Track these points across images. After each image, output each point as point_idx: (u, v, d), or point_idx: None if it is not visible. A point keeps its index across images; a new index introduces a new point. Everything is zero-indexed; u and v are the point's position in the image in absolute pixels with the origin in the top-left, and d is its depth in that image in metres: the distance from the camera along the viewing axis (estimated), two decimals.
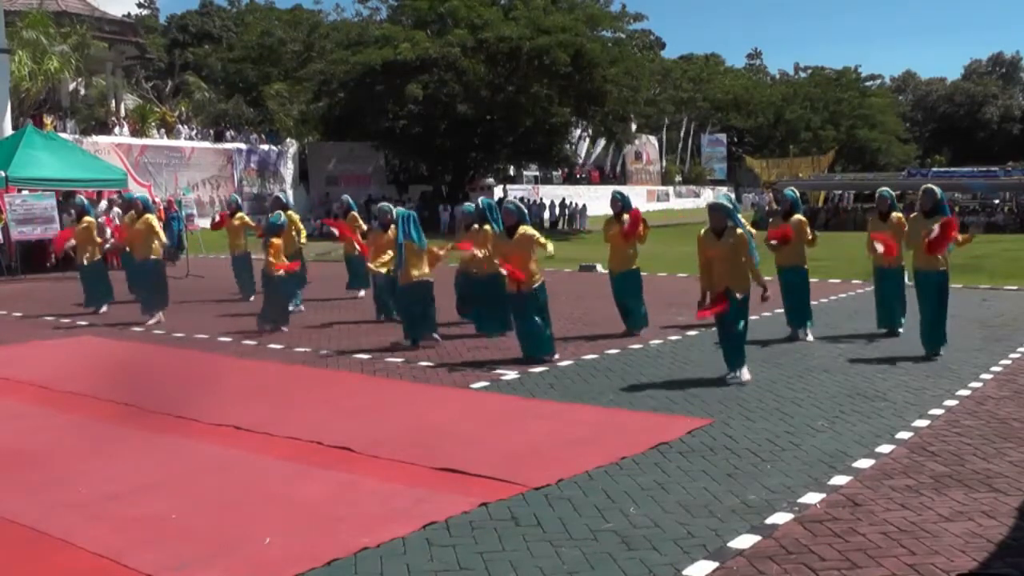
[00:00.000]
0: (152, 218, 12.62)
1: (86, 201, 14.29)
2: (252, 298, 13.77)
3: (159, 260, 12.63)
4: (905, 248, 9.67)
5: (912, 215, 9.66)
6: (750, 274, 7.98)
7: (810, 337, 10.14)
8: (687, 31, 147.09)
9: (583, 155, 52.36)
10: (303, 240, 13.63)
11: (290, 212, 13.64)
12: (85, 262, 13.39)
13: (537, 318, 9.10)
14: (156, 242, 12.43)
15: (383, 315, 11.87)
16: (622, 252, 10.55)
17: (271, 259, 10.89)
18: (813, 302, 10.80)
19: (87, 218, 13.54)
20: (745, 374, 8.08)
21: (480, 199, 11.21)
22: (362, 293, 14.00)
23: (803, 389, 7.76)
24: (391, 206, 11.21)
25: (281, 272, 11.02)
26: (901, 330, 10.17)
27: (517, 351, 9.29)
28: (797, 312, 10.29)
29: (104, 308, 13.33)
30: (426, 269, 9.99)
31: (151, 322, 12.10)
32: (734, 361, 8.11)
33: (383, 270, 10.71)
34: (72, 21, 32.38)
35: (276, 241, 10.98)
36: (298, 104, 39.79)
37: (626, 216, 10.42)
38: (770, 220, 12.54)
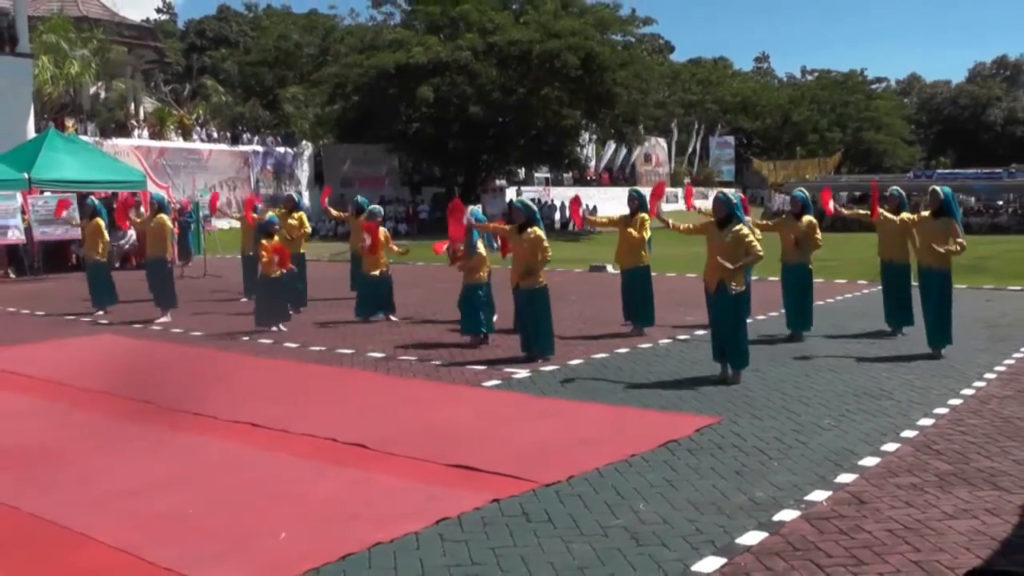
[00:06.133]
0: (166, 218, 12.83)
1: (97, 202, 14.46)
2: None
3: (168, 259, 12.80)
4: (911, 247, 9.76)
5: (919, 215, 9.76)
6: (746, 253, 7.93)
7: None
8: (696, 35, 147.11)
9: (593, 158, 52.38)
10: (307, 230, 13.86)
11: (300, 213, 13.83)
12: (93, 260, 13.56)
13: (540, 317, 9.21)
14: (167, 241, 12.66)
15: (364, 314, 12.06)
16: (633, 247, 10.63)
17: (266, 259, 11.12)
18: (819, 302, 10.77)
19: (97, 219, 13.72)
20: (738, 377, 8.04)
21: (513, 199, 11.39)
22: None
23: (810, 388, 7.82)
24: (380, 208, 12.65)
25: (279, 272, 11.20)
26: (908, 327, 10.20)
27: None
28: (798, 313, 10.23)
29: (106, 311, 13.34)
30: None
31: (165, 320, 12.30)
32: (736, 361, 8.07)
33: (376, 271, 11.84)
34: (92, 26, 32.71)
35: (265, 242, 11.21)
36: (313, 107, 39.97)
37: (643, 214, 10.58)
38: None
